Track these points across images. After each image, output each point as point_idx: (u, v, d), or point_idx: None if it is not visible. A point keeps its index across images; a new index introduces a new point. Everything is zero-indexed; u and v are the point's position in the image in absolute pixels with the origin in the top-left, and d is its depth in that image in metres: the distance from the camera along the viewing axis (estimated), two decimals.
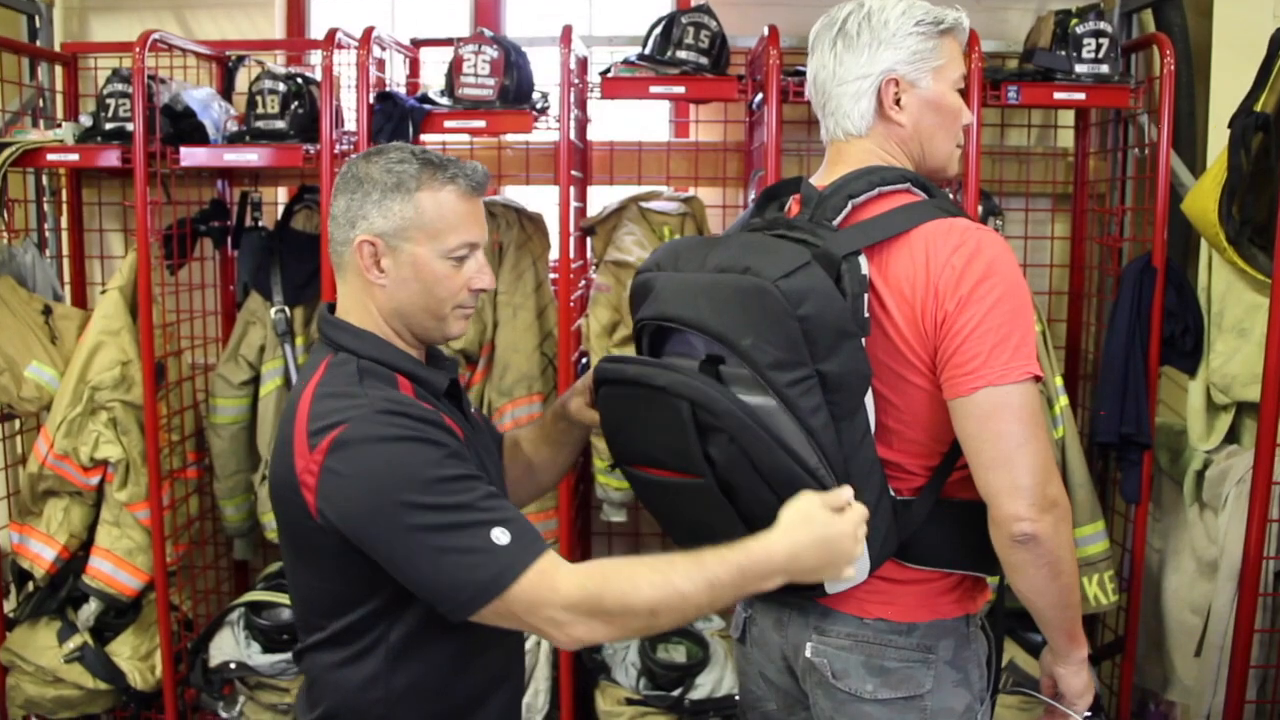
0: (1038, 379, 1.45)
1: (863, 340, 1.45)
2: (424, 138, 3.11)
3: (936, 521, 1.56)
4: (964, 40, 1.66)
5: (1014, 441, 1.42)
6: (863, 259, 1.46)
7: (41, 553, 3.07)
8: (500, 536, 1.37)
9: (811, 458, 1.43)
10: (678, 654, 3.11)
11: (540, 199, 3.32)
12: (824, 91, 1.64)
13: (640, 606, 1.37)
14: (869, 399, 1.49)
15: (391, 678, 1.53)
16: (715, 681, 2.99)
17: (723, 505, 1.50)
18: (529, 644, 3.03)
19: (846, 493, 1.43)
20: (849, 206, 1.52)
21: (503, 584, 1.36)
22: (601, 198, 3.30)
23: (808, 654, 1.61)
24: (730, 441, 1.44)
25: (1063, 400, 2.88)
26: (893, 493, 1.54)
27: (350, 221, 1.53)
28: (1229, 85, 2.86)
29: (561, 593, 1.37)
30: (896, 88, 1.59)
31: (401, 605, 1.50)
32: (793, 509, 1.42)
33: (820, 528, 1.40)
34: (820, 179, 1.63)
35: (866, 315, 1.45)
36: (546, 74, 3.01)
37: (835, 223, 1.51)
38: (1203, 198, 2.67)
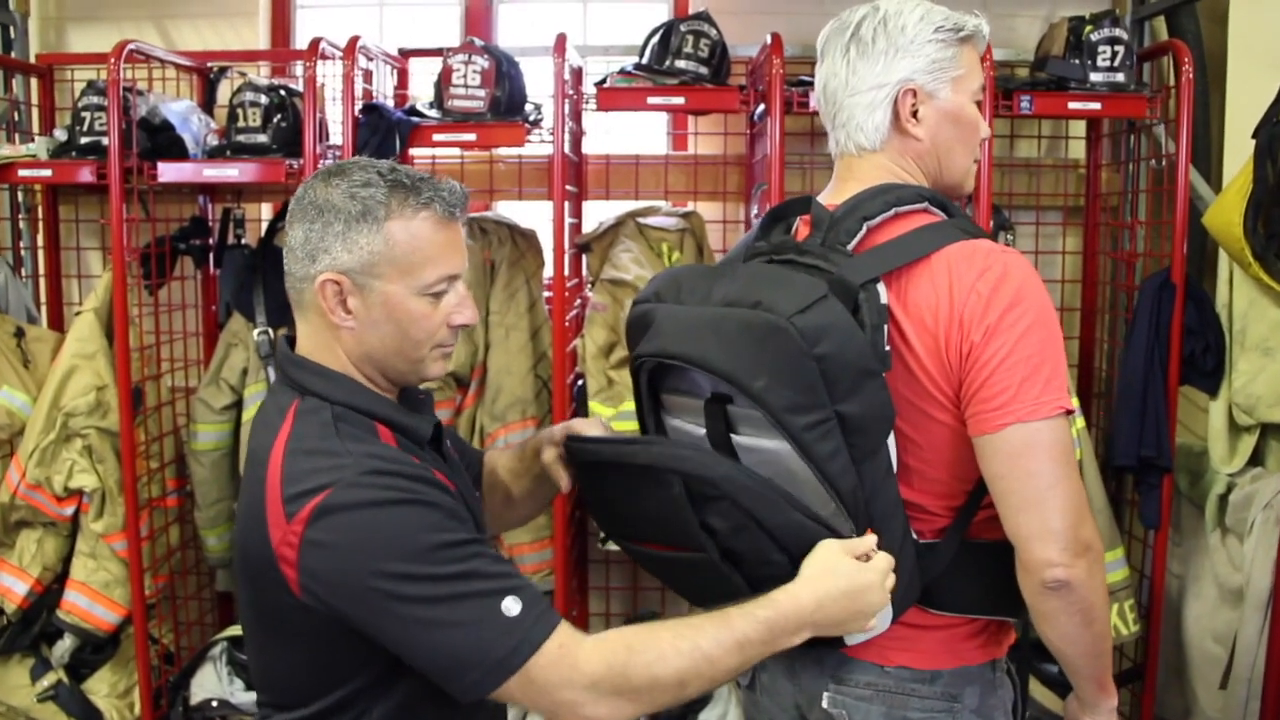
0: (1069, 413, 1.35)
1: (884, 379, 1.34)
2: (413, 151, 3.03)
3: (961, 565, 1.46)
4: (983, 49, 1.57)
5: (1045, 482, 1.32)
6: (881, 287, 1.35)
7: (13, 587, 2.96)
8: (511, 607, 1.23)
9: (827, 506, 1.33)
10: None
11: (534, 215, 3.24)
12: (834, 102, 1.54)
13: (668, 679, 1.26)
14: (890, 437, 1.39)
15: None
16: (719, 717, 2.88)
17: (728, 575, 1.40)
18: None
19: (870, 541, 1.33)
20: (864, 229, 1.41)
21: (518, 661, 1.23)
22: (597, 213, 3.21)
23: (824, 704, 1.51)
24: (732, 506, 1.34)
25: (1079, 422, 2.79)
26: (915, 535, 1.44)
27: (310, 255, 1.35)
28: (1246, 94, 2.79)
29: (583, 670, 1.24)
30: (914, 99, 1.49)
31: (387, 684, 1.35)
32: (814, 560, 1.32)
33: (845, 579, 1.30)
34: (829, 197, 1.53)
35: (887, 348, 1.34)
36: (540, 85, 2.93)
37: (850, 247, 1.40)
38: (1226, 211, 2.57)
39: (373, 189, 1.34)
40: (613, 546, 2.97)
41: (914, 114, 1.49)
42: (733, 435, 1.41)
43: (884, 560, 1.33)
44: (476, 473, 1.71)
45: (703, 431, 1.44)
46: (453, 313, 1.40)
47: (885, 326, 1.34)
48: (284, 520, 1.26)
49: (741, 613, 1.29)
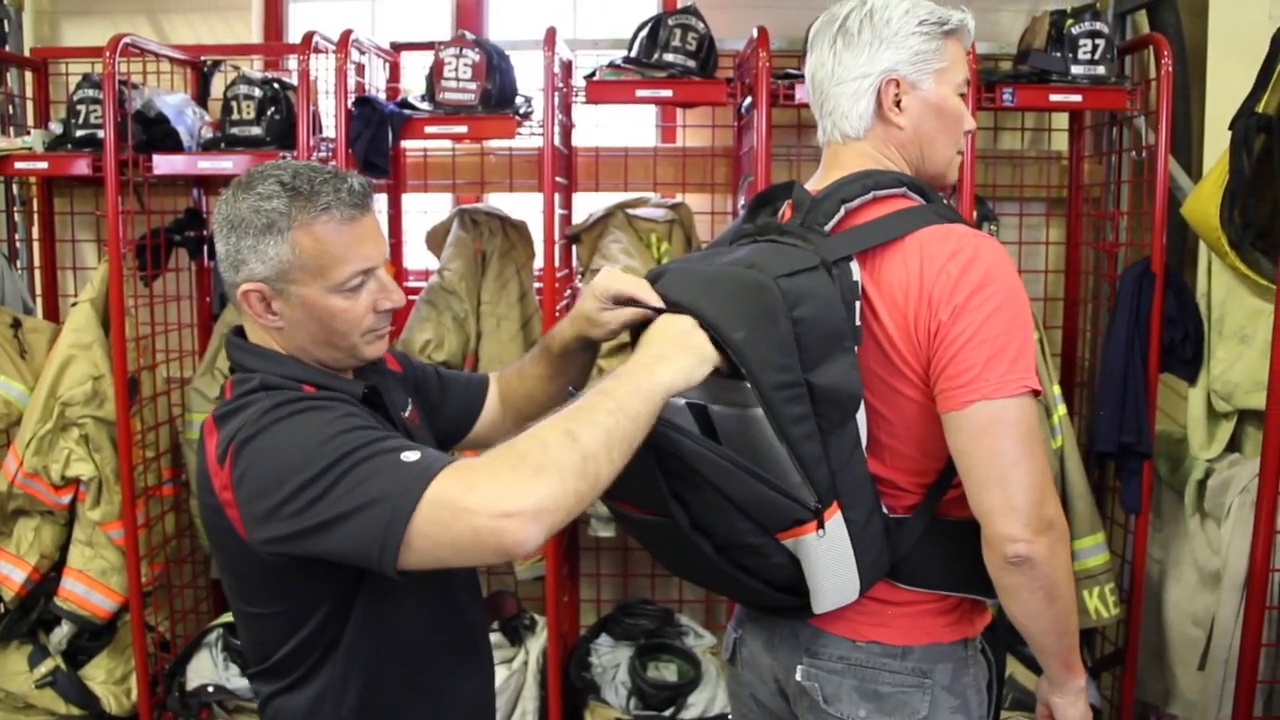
0: (1036, 393, 1.38)
1: (856, 355, 1.38)
2: (404, 144, 3.06)
3: (931, 541, 1.49)
4: (968, 43, 1.59)
5: (1009, 459, 1.35)
6: (854, 265, 1.40)
7: (11, 574, 2.99)
8: (409, 456, 1.25)
9: (792, 476, 1.36)
10: (669, 673, 3.05)
11: (524, 206, 3.26)
12: (822, 91, 1.57)
13: (554, 435, 1.23)
14: (860, 412, 1.43)
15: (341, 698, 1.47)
16: (708, 701, 2.92)
17: (698, 544, 1.43)
18: (515, 664, 2.97)
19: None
20: (841, 211, 1.46)
21: (420, 486, 1.20)
22: (587, 205, 3.25)
23: (798, 677, 1.55)
24: (702, 480, 1.37)
25: (1061, 409, 2.83)
26: (885, 510, 1.48)
27: (233, 267, 1.43)
28: (1225, 86, 2.83)
29: (480, 466, 1.21)
30: (897, 89, 1.52)
31: (344, 612, 1.44)
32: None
33: (659, 330, 1.40)
34: (815, 183, 1.58)
35: (858, 324, 1.40)
36: (530, 78, 2.96)
37: (827, 228, 1.45)
38: (1204, 201, 2.62)
39: (275, 201, 1.40)
40: (604, 533, 3.04)
41: (897, 103, 1.53)
42: (710, 406, 1.44)
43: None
44: (476, 398, 1.78)
45: (683, 402, 1.48)
46: (377, 300, 1.46)
47: (857, 303, 1.39)
48: (220, 469, 1.35)
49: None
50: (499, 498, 1.18)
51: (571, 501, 1.21)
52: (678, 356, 1.34)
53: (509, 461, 1.21)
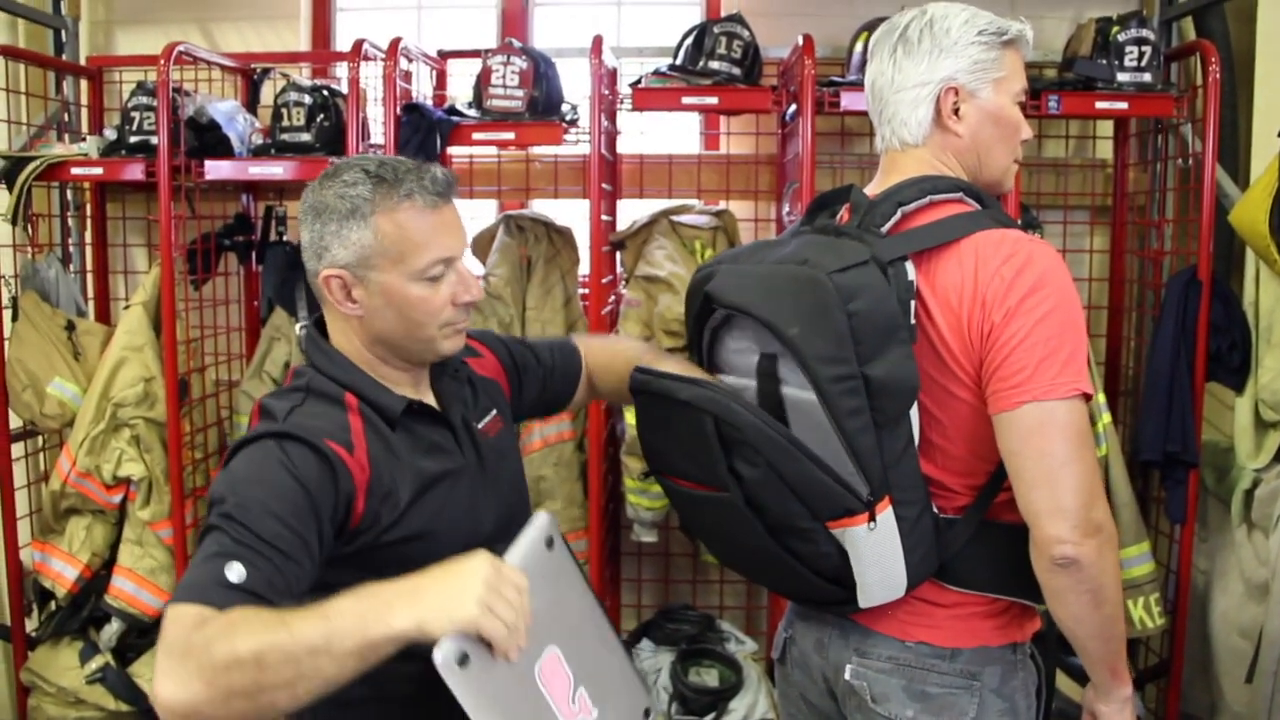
0: (1087, 397, 1.39)
1: (911, 348, 1.40)
2: (451, 150, 3.09)
3: (980, 543, 1.50)
4: (1026, 53, 1.61)
5: (1058, 460, 1.36)
6: (909, 265, 1.43)
7: (63, 572, 3.05)
8: (231, 571, 1.19)
9: (846, 466, 1.39)
10: (710, 678, 3.05)
11: (569, 212, 3.29)
12: (881, 98, 1.60)
13: (245, 652, 1.09)
14: (913, 411, 1.45)
15: None
16: (749, 706, 2.92)
17: (749, 520, 1.45)
18: None
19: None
20: (898, 214, 1.48)
21: (174, 599, 1.18)
22: (631, 211, 3.26)
23: (847, 676, 1.56)
24: (756, 453, 1.40)
25: (1105, 418, 2.81)
26: (936, 510, 1.49)
27: (316, 254, 1.44)
28: (1274, 93, 2.81)
29: (187, 631, 1.12)
30: (956, 97, 1.54)
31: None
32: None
33: (444, 568, 1.17)
34: (873, 188, 1.60)
35: (913, 322, 1.42)
36: (576, 85, 2.99)
37: (884, 230, 1.47)
38: (1252, 209, 2.60)
39: (359, 187, 1.41)
40: (647, 538, 3.05)
41: (955, 111, 1.55)
42: (783, 388, 1.47)
43: (507, 571, 1.17)
44: (574, 372, 1.82)
45: (752, 382, 1.50)
46: (457, 293, 1.46)
47: (912, 302, 1.41)
48: None
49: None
50: (161, 673, 1.11)
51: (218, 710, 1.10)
52: (431, 595, 1.13)
53: (199, 638, 1.11)
